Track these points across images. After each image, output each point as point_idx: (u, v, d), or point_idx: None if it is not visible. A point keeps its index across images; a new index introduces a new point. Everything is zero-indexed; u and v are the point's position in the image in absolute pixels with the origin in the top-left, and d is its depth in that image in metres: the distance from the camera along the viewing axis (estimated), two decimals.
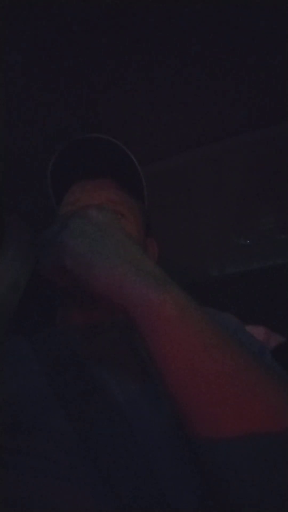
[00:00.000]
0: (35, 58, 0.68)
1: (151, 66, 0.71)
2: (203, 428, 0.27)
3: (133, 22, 0.63)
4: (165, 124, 0.83)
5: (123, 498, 0.33)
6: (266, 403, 0.27)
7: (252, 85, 0.74)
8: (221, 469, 0.27)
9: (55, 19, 0.62)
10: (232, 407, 0.27)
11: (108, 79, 0.73)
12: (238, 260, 1.24)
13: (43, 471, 0.35)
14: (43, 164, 0.66)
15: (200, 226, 1.09)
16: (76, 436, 0.37)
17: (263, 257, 1.23)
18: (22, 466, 0.36)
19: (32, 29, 0.64)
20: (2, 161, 0.86)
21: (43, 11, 0.61)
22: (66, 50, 0.67)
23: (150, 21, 0.63)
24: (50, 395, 0.40)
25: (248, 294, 1.22)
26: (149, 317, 0.30)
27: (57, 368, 0.43)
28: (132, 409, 0.39)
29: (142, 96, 0.77)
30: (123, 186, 0.60)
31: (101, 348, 0.48)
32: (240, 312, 0.62)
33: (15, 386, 0.41)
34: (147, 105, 0.79)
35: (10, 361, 0.45)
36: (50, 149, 0.65)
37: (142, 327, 0.31)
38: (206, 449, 0.27)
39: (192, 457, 0.35)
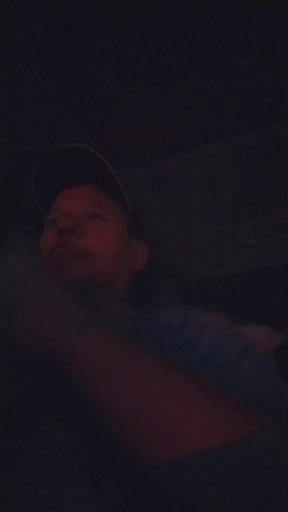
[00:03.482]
0: (33, 58, 0.68)
1: (148, 65, 0.71)
2: (143, 458, 0.27)
3: (129, 24, 0.63)
4: (165, 123, 0.83)
5: (118, 499, 0.33)
6: (201, 421, 0.27)
7: (251, 84, 0.74)
8: (173, 493, 0.26)
9: (55, 19, 0.63)
10: (165, 433, 0.26)
11: (102, 82, 0.74)
12: (238, 259, 1.24)
13: (40, 472, 0.35)
14: None
15: (200, 225, 1.08)
16: (73, 436, 0.37)
17: (263, 256, 1.23)
18: (19, 467, 0.36)
19: (32, 29, 0.64)
20: (1, 162, 0.86)
21: (44, 10, 0.61)
22: (62, 51, 0.68)
23: (147, 21, 0.63)
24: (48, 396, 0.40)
25: (248, 293, 1.22)
26: (75, 359, 0.29)
27: None
28: None
29: (141, 95, 0.77)
30: (102, 191, 0.64)
31: None
32: (240, 312, 0.62)
33: (16, 386, 0.41)
34: (146, 104, 0.79)
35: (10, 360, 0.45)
36: (49, 148, 0.66)
37: (69, 371, 0.30)
38: (154, 477, 0.27)
39: None
